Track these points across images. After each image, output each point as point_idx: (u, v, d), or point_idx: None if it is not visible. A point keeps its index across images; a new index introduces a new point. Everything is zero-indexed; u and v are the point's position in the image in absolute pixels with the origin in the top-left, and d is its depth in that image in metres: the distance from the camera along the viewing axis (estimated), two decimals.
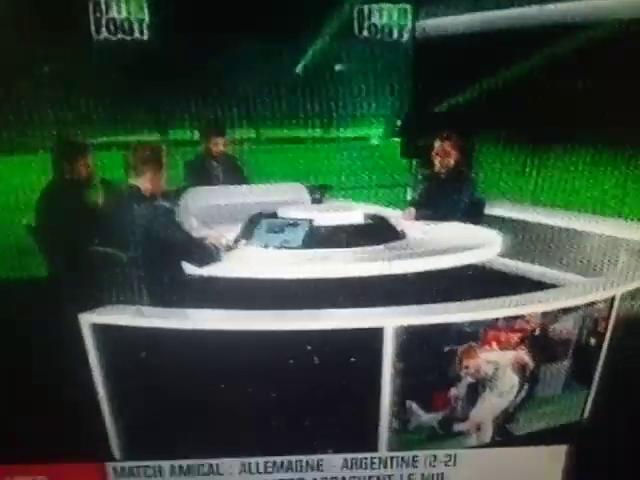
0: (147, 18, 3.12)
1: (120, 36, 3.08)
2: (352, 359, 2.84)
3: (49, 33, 2.89)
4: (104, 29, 3.03)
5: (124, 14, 3.06)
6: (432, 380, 2.96)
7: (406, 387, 2.91)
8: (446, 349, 2.91)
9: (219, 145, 4.13)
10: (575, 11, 3.50)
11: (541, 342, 3.05)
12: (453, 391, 3.00)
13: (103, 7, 3.01)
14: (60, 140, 3.23)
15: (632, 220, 3.46)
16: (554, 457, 3.09)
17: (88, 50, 3.06)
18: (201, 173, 4.08)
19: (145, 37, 3.14)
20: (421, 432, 3.01)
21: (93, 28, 3.02)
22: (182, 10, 2.95)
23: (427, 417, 3.00)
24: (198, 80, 3.28)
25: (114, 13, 3.03)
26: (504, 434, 3.13)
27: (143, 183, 3.15)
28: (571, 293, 3.17)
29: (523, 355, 3.05)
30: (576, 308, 3.08)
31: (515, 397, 3.10)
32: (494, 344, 2.98)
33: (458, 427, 3.07)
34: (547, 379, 3.14)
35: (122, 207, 3.12)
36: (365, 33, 3.51)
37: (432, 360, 2.91)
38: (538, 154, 3.47)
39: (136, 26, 3.10)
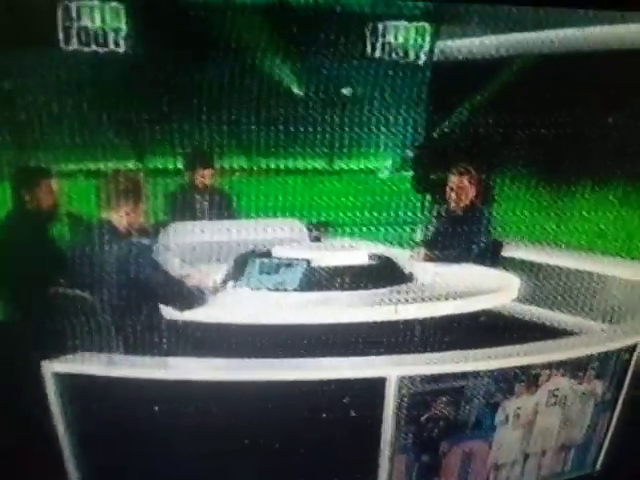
0: (125, 28, 2.99)
1: (93, 48, 2.95)
2: (351, 413, 2.77)
3: (10, 43, 2.75)
4: (75, 39, 2.89)
5: (98, 23, 2.93)
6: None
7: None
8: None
9: (205, 177, 3.94)
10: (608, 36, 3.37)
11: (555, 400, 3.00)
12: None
13: (74, 14, 2.86)
14: (20, 165, 3.10)
15: None
16: None
17: (55, 63, 2.92)
18: (184, 206, 3.83)
19: (122, 49, 3.01)
20: None
21: (62, 38, 2.88)
22: (166, 20, 2.81)
23: None
24: (182, 100, 3.10)
25: (87, 22, 2.89)
26: None
27: (117, 217, 3.00)
28: (592, 341, 3.14)
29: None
30: (596, 357, 3.02)
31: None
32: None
33: None
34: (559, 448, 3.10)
35: (92, 244, 2.94)
36: (378, 53, 3.36)
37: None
38: (560, 192, 3.40)
39: (112, 37, 2.97)
